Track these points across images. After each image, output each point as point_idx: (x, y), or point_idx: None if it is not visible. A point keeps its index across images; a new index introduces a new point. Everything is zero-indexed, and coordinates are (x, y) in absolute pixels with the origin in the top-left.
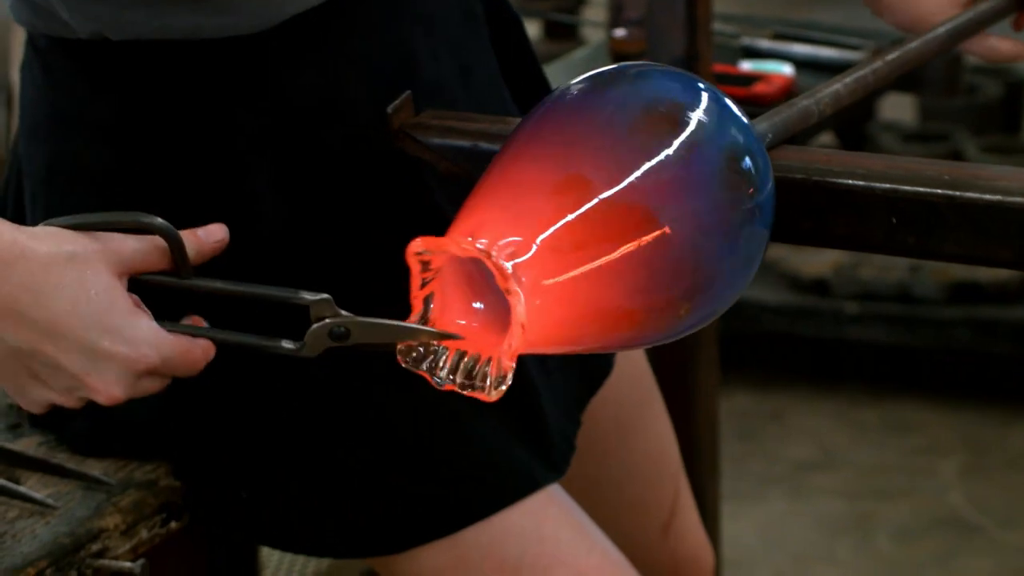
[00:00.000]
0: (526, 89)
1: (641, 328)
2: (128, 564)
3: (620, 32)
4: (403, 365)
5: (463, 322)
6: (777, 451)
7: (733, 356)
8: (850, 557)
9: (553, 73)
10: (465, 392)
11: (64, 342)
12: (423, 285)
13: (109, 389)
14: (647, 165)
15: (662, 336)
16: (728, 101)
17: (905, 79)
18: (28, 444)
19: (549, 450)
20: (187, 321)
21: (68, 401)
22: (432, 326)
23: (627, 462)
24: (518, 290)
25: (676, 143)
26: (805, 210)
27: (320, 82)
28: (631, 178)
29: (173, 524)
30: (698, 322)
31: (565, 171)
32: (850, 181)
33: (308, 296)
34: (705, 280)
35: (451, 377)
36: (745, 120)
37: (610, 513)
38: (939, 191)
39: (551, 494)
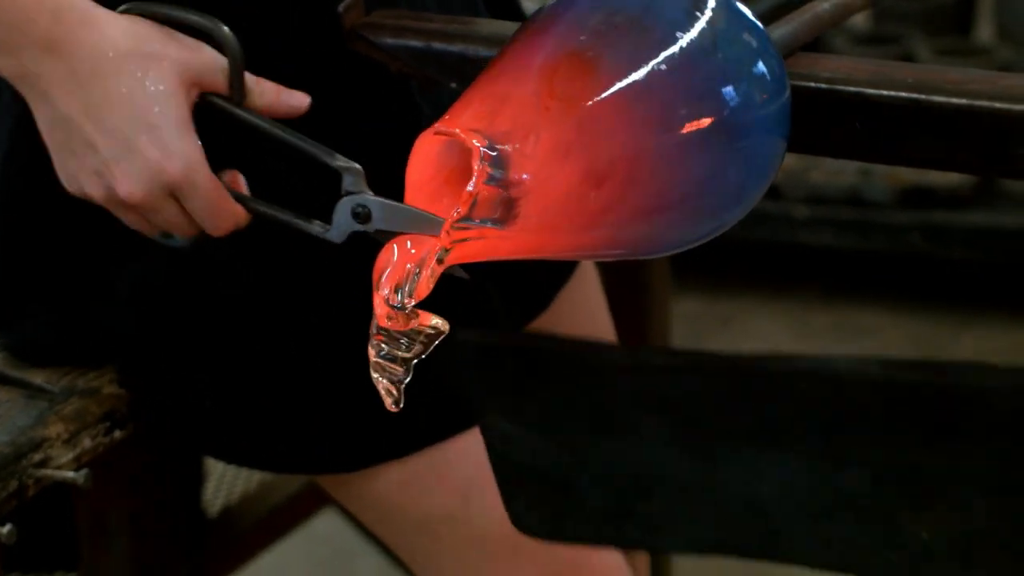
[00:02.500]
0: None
1: (637, 240)
2: (71, 474)
3: None
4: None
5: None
6: None
7: (683, 260)
8: None
9: None
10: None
11: (105, 124)
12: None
13: (131, 185)
14: (647, 68)
15: (663, 247)
16: (740, 5)
17: None
18: None
19: None
20: (226, 177)
21: (95, 189)
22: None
23: None
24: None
25: (679, 46)
26: None
27: None
28: (630, 80)
29: (117, 433)
30: (706, 234)
31: (568, 75)
32: (813, 84)
33: (341, 161)
34: (712, 189)
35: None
36: (758, 24)
37: None
38: (904, 94)
39: None
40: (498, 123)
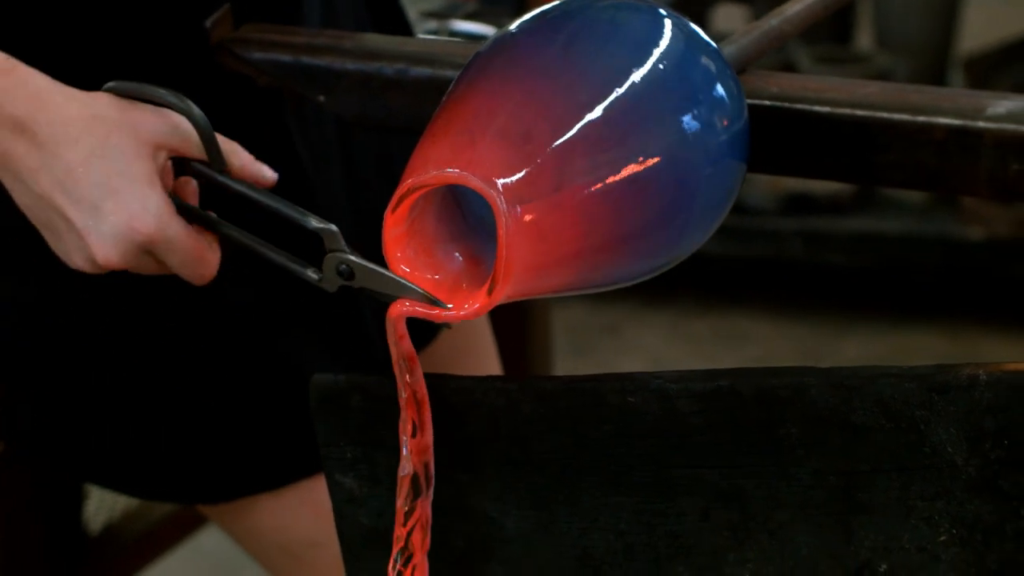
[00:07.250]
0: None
1: (616, 265)
2: None
3: None
4: None
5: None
6: (612, 365)
7: None
8: None
9: None
10: None
11: (73, 195)
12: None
13: (106, 251)
14: (611, 98)
15: (629, 276)
16: (694, 27)
17: None
18: None
19: None
20: (185, 186)
21: (84, 263)
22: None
23: None
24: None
25: (640, 72)
26: None
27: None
28: (595, 114)
29: None
30: (665, 263)
31: (525, 111)
32: None
33: (316, 223)
34: (678, 216)
35: None
36: (714, 46)
37: None
38: (768, 103)
39: None
40: (492, 167)
